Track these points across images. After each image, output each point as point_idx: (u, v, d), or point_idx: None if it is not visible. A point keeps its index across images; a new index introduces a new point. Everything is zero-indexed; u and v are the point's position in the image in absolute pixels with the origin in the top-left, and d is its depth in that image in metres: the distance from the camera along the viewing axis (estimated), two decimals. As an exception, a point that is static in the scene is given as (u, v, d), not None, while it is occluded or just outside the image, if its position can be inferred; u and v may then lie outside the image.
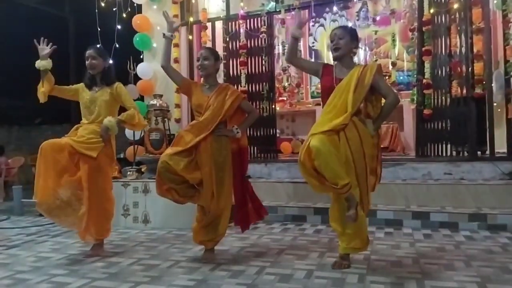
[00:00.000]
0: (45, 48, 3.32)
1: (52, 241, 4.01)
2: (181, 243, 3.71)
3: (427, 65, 5.02)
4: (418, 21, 5.22)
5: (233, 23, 6.07)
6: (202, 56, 3.14)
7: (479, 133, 4.92)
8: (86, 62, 3.40)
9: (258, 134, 5.85)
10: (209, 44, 6.27)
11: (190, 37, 6.48)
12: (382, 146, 3.08)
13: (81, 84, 3.49)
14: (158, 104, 5.14)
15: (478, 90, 4.77)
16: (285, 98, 9.01)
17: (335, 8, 7.27)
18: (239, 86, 5.91)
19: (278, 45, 8.49)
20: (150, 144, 5.03)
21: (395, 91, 2.82)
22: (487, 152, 4.92)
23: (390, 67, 8.30)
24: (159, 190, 3.03)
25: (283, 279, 2.64)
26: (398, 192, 4.51)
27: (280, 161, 5.77)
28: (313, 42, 9.28)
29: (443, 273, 2.67)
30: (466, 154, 4.91)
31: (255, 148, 5.82)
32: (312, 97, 8.98)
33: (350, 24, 8.76)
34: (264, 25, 5.89)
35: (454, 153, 5.01)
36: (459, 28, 4.94)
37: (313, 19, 8.93)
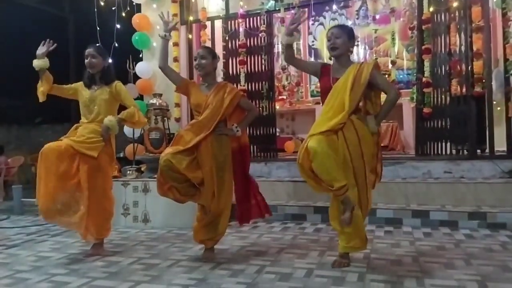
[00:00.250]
0: (42, 48, 3.31)
1: (52, 240, 4.01)
2: (181, 242, 3.71)
3: (426, 64, 5.01)
4: (418, 20, 5.22)
5: (233, 22, 6.07)
6: (199, 55, 3.13)
7: (479, 132, 4.93)
8: (86, 61, 3.38)
9: (258, 133, 5.85)
10: (208, 43, 6.27)
11: (190, 36, 6.48)
12: (382, 145, 3.08)
13: (80, 83, 3.48)
14: (157, 103, 5.13)
15: (477, 89, 4.77)
16: (284, 97, 9.01)
17: (334, 7, 7.27)
18: (239, 85, 5.90)
19: (277, 44, 8.47)
20: (150, 143, 5.03)
21: (395, 87, 2.80)
22: (487, 150, 4.92)
23: (390, 65, 8.30)
24: (160, 190, 3.03)
25: (283, 278, 2.64)
26: (398, 191, 4.51)
27: (280, 160, 5.77)
28: (312, 41, 9.28)
29: (443, 272, 2.67)
30: (466, 152, 4.91)
31: (255, 147, 5.81)
32: (312, 95, 8.98)
33: (349, 23, 8.76)
34: (264, 24, 5.89)
35: (454, 151, 5.01)
36: (458, 26, 4.94)
37: (313, 18, 8.93)
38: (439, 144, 5.02)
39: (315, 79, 8.88)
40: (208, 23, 6.31)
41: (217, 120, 3.05)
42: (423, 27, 5.06)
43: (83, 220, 3.23)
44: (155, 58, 6.40)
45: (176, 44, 6.24)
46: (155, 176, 4.78)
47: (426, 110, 4.99)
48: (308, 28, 9.19)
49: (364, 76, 2.69)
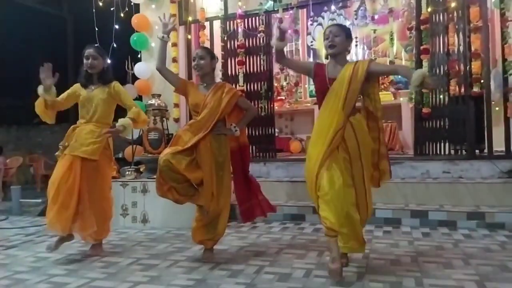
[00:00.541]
0: (48, 78, 3.23)
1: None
2: (180, 243, 3.71)
3: (425, 64, 5.02)
4: (416, 20, 5.22)
5: (231, 22, 6.07)
6: (198, 56, 3.13)
7: (477, 132, 4.93)
8: (86, 61, 3.32)
9: (257, 133, 5.85)
10: (207, 44, 6.26)
11: (189, 36, 6.47)
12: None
13: (77, 85, 3.43)
14: (156, 104, 5.13)
15: (476, 89, 4.78)
16: (283, 97, 9.00)
17: (333, 7, 7.27)
18: (237, 85, 5.90)
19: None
20: (149, 143, 5.03)
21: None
22: (486, 150, 4.92)
23: (389, 65, 8.30)
24: (159, 190, 3.03)
25: (282, 278, 2.64)
26: (397, 191, 4.52)
27: (279, 160, 5.78)
28: (311, 41, 9.28)
29: (442, 271, 2.68)
30: (464, 152, 4.91)
31: (254, 147, 5.81)
32: (311, 96, 8.97)
33: (348, 23, 8.76)
34: (262, 24, 5.89)
35: (452, 151, 5.01)
36: (457, 26, 4.94)
37: (311, 18, 8.92)
38: (438, 144, 5.03)
39: (314, 79, 8.88)
40: (207, 24, 6.31)
41: (215, 120, 3.05)
42: (422, 27, 5.07)
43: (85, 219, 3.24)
44: (153, 59, 6.38)
45: (174, 45, 6.24)
46: (154, 176, 4.77)
47: (425, 110, 4.99)
48: (307, 28, 9.19)
49: (361, 73, 2.67)
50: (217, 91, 3.12)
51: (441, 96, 5.00)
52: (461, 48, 4.89)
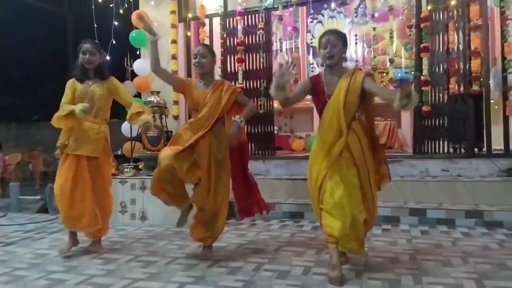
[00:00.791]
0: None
1: (50, 237, 4.01)
2: (179, 240, 3.71)
3: (425, 62, 5.01)
4: (416, 18, 5.21)
5: (231, 19, 6.05)
6: (200, 54, 3.10)
7: (477, 130, 4.94)
8: (83, 57, 3.27)
9: (256, 131, 5.85)
10: (206, 41, 6.25)
11: (188, 33, 6.46)
12: (379, 143, 3.05)
13: (72, 80, 3.34)
14: (155, 101, 5.13)
15: (475, 87, 4.77)
16: (283, 95, 8.99)
17: (333, 5, 7.27)
18: (237, 82, 5.89)
19: (275, 42, 8.46)
20: (148, 141, 5.03)
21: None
22: (484, 149, 4.93)
23: (388, 64, 8.30)
24: (153, 189, 3.05)
25: (281, 276, 2.64)
26: (396, 189, 4.52)
27: (278, 158, 5.77)
28: (311, 39, 9.26)
29: (440, 270, 2.68)
30: (463, 151, 4.91)
31: (253, 145, 5.81)
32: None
33: (348, 21, 8.76)
34: (262, 21, 5.87)
35: (451, 150, 5.01)
36: (456, 25, 4.93)
37: (311, 16, 8.91)
38: (437, 143, 5.03)
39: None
40: (206, 21, 6.30)
41: (215, 118, 3.05)
42: (422, 25, 5.06)
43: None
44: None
45: (174, 42, 6.23)
46: (152, 174, 4.79)
47: (425, 108, 4.99)
48: (307, 26, 9.18)
49: (357, 85, 2.62)
50: (217, 88, 3.11)
51: (441, 95, 5.00)
52: (461, 46, 4.88)
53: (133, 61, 6.29)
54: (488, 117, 4.85)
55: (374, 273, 2.65)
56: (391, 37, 8.20)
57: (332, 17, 8.98)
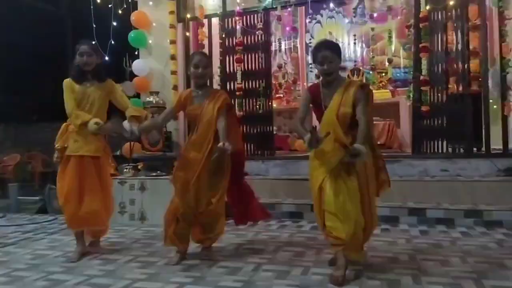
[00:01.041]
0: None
1: (49, 238, 4.00)
2: (178, 240, 3.71)
3: (424, 62, 5.01)
4: (415, 18, 5.21)
5: (230, 19, 6.05)
6: (202, 65, 3.05)
7: (476, 130, 4.94)
8: (81, 58, 3.25)
9: (255, 131, 5.85)
10: (205, 41, 6.25)
11: (187, 33, 6.46)
12: (379, 143, 3.06)
13: (68, 82, 3.30)
14: (154, 101, 5.13)
15: (474, 87, 4.78)
16: (281, 95, 9.00)
17: (331, 5, 7.27)
18: (235, 83, 5.90)
19: (274, 42, 8.47)
20: (147, 141, 5.02)
21: (369, 117, 2.70)
22: (483, 148, 4.93)
23: (387, 64, 8.31)
24: (167, 241, 3.13)
25: (280, 276, 2.64)
26: (395, 189, 4.47)
27: (277, 158, 5.78)
28: (310, 39, 9.27)
29: (439, 269, 2.69)
30: (462, 150, 4.92)
31: (252, 145, 5.81)
32: (309, 94, 8.97)
33: (346, 21, 8.77)
34: (261, 21, 5.87)
35: (450, 150, 5.02)
36: (455, 25, 4.94)
37: (310, 16, 8.92)
38: (436, 142, 5.03)
39: (312, 77, 8.89)
40: (205, 21, 6.29)
41: (213, 133, 3.00)
42: (420, 25, 5.06)
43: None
44: (151, 56, 6.39)
45: (173, 42, 6.22)
46: (152, 174, 4.80)
47: (424, 108, 4.99)
48: (305, 26, 9.18)
49: (350, 98, 2.66)
50: (211, 101, 3.05)
51: (440, 95, 5.00)
52: (460, 46, 4.89)
53: (132, 62, 6.28)
54: (487, 117, 4.85)
55: (373, 273, 2.65)
56: (390, 37, 8.21)
57: (330, 17, 8.99)
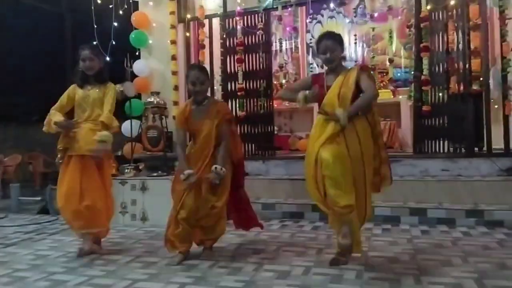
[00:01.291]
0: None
1: (50, 239, 4.01)
2: (179, 241, 3.71)
3: (424, 62, 5.01)
4: (416, 18, 5.21)
5: (230, 20, 6.05)
6: (199, 81, 3.05)
7: (477, 130, 4.93)
8: (82, 63, 3.33)
9: (256, 131, 5.85)
10: (206, 41, 6.25)
11: (187, 34, 6.46)
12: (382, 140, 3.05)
13: (73, 86, 3.41)
14: (155, 102, 5.12)
15: (475, 87, 4.77)
16: (282, 95, 8.99)
17: (332, 5, 7.25)
18: (236, 83, 5.90)
19: (275, 42, 8.46)
20: (148, 141, 5.02)
21: (374, 87, 2.83)
22: (484, 148, 4.92)
23: (388, 63, 8.29)
24: (167, 245, 3.12)
25: (281, 276, 2.64)
26: (396, 189, 4.48)
27: (278, 158, 5.78)
28: (310, 39, 9.26)
29: (440, 269, 2.68)
30: (463, 150, 4.91)
31: (253, 145, 5.81)
32: (310, 94, 8.97)
33: (347, 21, 8.75)
34: (261, 21, 5.87)
35: (451, 149, 5.01)
36: (456, 24, 4.93)
37: (310, 16, 8.91)
38: (437, 142, 5.03)
39: (313, 77, 8.86)
40: (206, 21, 6.30)
41: (212, 147, 3.02)
42: (421, 25, 5.06)
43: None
44: (152, 56, 6.40)
45: (173, 42, 6.22)
46: (154, 174, 4.80)
47: (425, 108, 4.99)
48: (306, 26, 9.17)
49: (352, 80, 2.74)
50: (210, 116, 3.06)
51: (440, 94, 5.00)
52: (461, 46, 4.88)
53: (133, 62, 6.28)
54: (488, 117, 4.85)
55: (374, 273, 2.65)
56: (391, 37, 8.19)
57: (331, 17, 8.97)
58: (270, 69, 6.05)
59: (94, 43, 5.27)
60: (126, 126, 5.58)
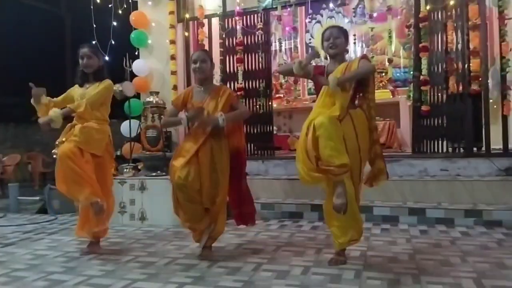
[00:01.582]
0: (35, 96, 3.32)
1: (49, 238, 4.00)
2: (178, 240, 3.71)
3: (424, 62, 5.01)
4: (415, 18, 5.21)
5: (230, 19, 6.05)
6: (200, 59, 3.09)
7: (475, 130, 4.93)
8: (81, 61, 3.36)
9: (255, 131, 5.85)
10: (205, 41, 6.25)
11: (186, 34, 6.46)
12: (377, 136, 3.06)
13: (74, 86, 3.48)
14: (154, 101, 5.13)
15: (474, 87, 4.78)
16: (282, 95, 8.99)
17: (331, 5, 7.25)
18: (236, 83, 5.90)
19: (274, 42, 8.46)
20: (147, 141, 5.03)
21: (372, 65, 2.88)
22: (483, 148, 4.93)
23: (387, 63, 8.29)
24: (175, 208, 3.08)
25: (280, 276, 2.64)
26: (395, 189, 4.52)
27: (277, 158, 5.77)
28: (310, 39, 9.27)
29: (439, 269, 2.68)
30: (462, 150, 4.92)
31: (252, 145, 5.81)
32: (309, 94, 8.96)
33: (346, 21, 8.75)
34: (261, 21, 5.88)
35: (450, 149, 5.01)
36: (455, 24, 4.94)
37: (310, 16, 8.91)
38: (436, 142, 5.03)
39: (312, 77, 8.86)
40: (205, 21, 6.29)
41: (211, 128, 3.01)
42: (420, 25, 5.06)
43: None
44: (151, 56, 6.39)
45: (173, 42, 6.22)
46: (152, 174, 4.80)
47: (424, 108, 4.99)
48: (305, 26, 9.18)
49: (354, 67, 2.77)
50: (215, 96, 3.10)
51: (439, 94, 5.00)
52: (460, 46, 4.88)
53: (132, 62, 6.28)
54: (487, 117, 4.85)
55: (373, 272, 2.65)
56: (390, 37, 8.18)
57: (330, 17, 8.97)
58: (270, 69, 6.04)
59: (94, 42, 5.27)
60: (125, 125, 5.59)
